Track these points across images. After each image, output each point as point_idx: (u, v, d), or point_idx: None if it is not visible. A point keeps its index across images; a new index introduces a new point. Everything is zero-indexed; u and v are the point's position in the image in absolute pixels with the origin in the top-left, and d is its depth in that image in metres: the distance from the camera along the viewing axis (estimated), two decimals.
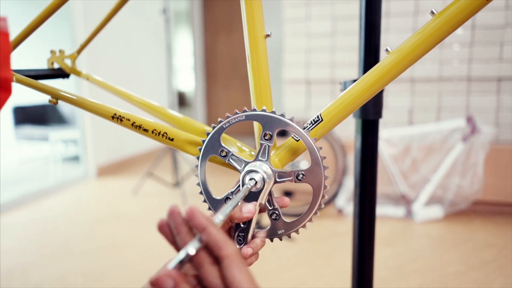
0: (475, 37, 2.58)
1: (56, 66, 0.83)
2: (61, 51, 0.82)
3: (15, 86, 0.63)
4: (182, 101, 7.11)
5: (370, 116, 0.81)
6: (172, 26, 6.28)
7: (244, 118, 0.54)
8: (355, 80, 0.81)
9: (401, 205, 2.65)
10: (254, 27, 0.58)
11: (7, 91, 0.34)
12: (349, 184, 2.67)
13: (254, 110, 0.54)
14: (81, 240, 2.31)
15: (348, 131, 2.83)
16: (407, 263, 1.98)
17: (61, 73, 0.81)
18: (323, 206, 0.56)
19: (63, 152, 4.32)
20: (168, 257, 1.78)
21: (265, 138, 0.54)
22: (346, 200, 2.67)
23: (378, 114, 0.82)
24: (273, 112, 0.53)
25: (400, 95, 2.79)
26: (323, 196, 0.55)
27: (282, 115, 0.52)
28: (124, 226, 2.55)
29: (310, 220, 0.57)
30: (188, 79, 6.49)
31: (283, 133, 2.75)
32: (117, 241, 2.30)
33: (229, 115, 0.54)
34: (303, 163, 2.31)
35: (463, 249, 2.15)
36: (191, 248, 0.35)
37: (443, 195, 2.62)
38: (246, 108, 0.55)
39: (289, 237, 0.58)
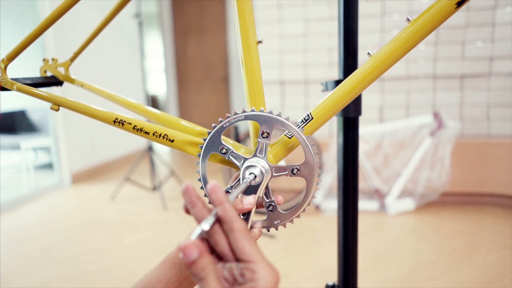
0: (439, 37, 2.72)
1: (49, 74, 0.85)
2: (53, 59, 0.84)
3: None
4: (154, 104, 7.06)
5: (351, 114, 0.88)
6: (144, 29, 6.23)
7: (243, 118, 0.59)
8: (336, 80, 0.87)
9: (375, 199, 2.76)
10: (247, 34, 0.63)
11: None
12: (325, 181, 2.76)
13: (253, 110, 0.58)
14: (62, 247, 2.29)
15: (321, 130, 2.92)
16: (383, 254, 2.08)
17: (54, 81, 0.83)
18: (316, 197, 0.61)
19: (34, 160, 4.22)
20: (150, 260, 1.84)
21: (263, 136, 0.59)
22: (323, 197, 2.76)
23: (358, 112, 0.89)
24: (270, 112, 0.58)
25: (371, 94, 2.90)
26: (316, 189, 0.61)
27: (279, 115, 0.57)
28: (105, 231, 2.54)
29: (304, 210, 0.62)
30: (159, 82, 6.46)
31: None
32: (98, 246, 2.30)
33: (229, 115, 0.59)
34: (281, 163, 2.37)
35: (434, 238, 2.27)
36: (209, 221, 0.39)
37: (414, 188, 2.74)
38: (245, 109, 0.59)
39: (284, 226, 0.63)
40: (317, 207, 2.72)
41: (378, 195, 2.73)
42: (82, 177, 3.89)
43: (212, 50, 5.76)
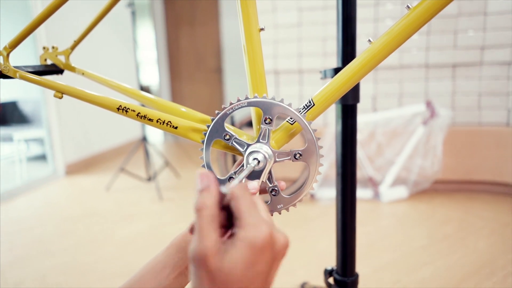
0: (431, 26, 2.74)
1: (49, 62, 0.85)
2: (54, 47, 0.84)
3: None
4: None
5: (349, 101, 0.89)
6: (137, 19, 6.17)
7: (246, 105, 0.60)
8: (335, 68, 0.88)
9: (368, 188, 2.79)
10: (249, 22, 0.64)
11: None
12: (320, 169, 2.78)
13: (256, 97, 0.59)
14: (57, 239, 2.30)
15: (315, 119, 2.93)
16: (377, 240, 2.11)
17: (55, 69, 0.83)
18: (317, 181, 0.63)
19: (27, 151, 4.20)
20: (147, 250, 1.85)
21: (266, 122, 0.60)
22: (318, 185, 2.79)
23: (356, 99, 0.90)
24: (273, 99, 0.59)
25: (364, 83, 2.92)
26: (318, 173, 0.62)
27: (281, 101, 0.59)
28: (100, 222, 2.54)
29: (307, 194, 0.64)
30: (152, 73, 6.42)
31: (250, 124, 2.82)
32: (94, 238, 2.30)
33: (232, 102, 0.60)
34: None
35: (427, 225, 2.31)
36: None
37: (407, 176, 2.78)
38: (248, 96, 0.60)
39: (287, 210, 0.65)
40: (312, 196, 2.75)
41: (372, 183, 2.76)
42: (76, 168, 3.88)
43: (204, 40, 5.73)
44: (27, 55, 3.33)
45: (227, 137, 0.62)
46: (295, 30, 2.94)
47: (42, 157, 3.97)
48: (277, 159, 0.62)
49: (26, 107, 4.15)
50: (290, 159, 0.61)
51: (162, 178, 3.43)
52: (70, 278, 1.84)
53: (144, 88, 6.92)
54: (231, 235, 0.37)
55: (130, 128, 5.05)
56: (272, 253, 0.35)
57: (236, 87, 5.62)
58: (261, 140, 0.61)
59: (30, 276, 1.87)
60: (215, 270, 0.33)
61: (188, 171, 3.76)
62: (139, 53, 6.12)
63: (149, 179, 3.18)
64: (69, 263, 1.99)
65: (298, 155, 0.61)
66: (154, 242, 2.21)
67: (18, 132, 3.62)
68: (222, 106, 0.61)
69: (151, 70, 6.39)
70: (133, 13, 3.14)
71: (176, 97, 5.98)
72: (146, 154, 3.14)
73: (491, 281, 1.66)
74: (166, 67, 6.00)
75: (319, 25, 2.89)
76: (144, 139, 3.18)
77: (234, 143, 0.62)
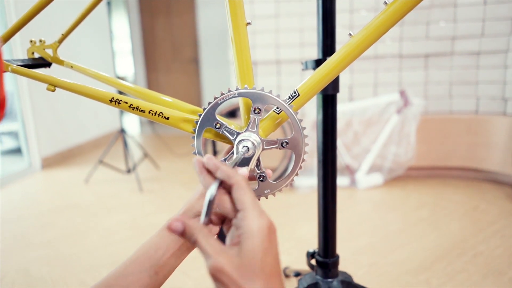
0: (404, 18, 2.80)
1: (36, 55, 0.86)
2: (41, 41, 0.85)
3: None
4: None
5: (329, 91, 0.94)
6: (112, 10, 6.06)
7: (236, 95, 0.63)
8: (316, 60, 0.93)
9: (345, 175, 2.87)
10: (236, 16, 0.67)
11: (1, 110, 0.35)
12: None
13: (246, 88, 0.63)
14: (38, 232, 2.28)
15: None
16: (355, 226, 2.19)
17: (43, 63, 0.84)
18: (302, 168, 0.67)
19: (0, 145, 4.10)
20: (130, 241, 1.88)
21: (255, 112, 0.64)
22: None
23: (336, 89, 0.95)
24: (262, 90, 0.63)
25: (342, 74, 2.97)
26: (303, 160, 0.67)
27: (270, 92, 0.62)
28: (81, 214, 2.54)
29: (292, 180, 0.68)
30: (127, 64, 6.33)
31: (232, 114, 2.85)
32: (76, 230, 2.30)
33: (223, 92, 0.63)
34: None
35: (401, 210, 2.40)
36: (214, 186, 0.44)
37: (382, 163, 2.88)
38: (238, 87, 0.64)
39: (274, 195, 0.69)
40: (291, 184, 2.81)
41: (349, 171, 2.84)
42: (53, 161, 3.82)
43: (180, 31, 5.69)
44: None
45: (218, 125, 0.65)
46: (273, 21, 2.97)
47: (17, 151, 3.89)
48: (265, 147, 0.66)
49: None
50: (277, 147, 0.65)
51: (141, 170, 3.43)
52: (54, 270, 1.84)
53: (120, 79, 6.82)
54: (231, 226, 0.42)
55: (108, 120, 4.99)
56: (276, 236, 0.40)
57: (213, 77, 5.62)
58: (250, 129, 0.65)
59: (13, 268, 1.86)
60: (233, 276, 0.36)
61: (167, 162, 3.76)
62: (115, 44, 6.03)
63: (129, 171, 3.17)
64: (52, 255, 1.99)
65: (285, 143, 0.65)
66: (136, 232, 2.22)
67: None
68: (214, 96, 0.64)
69: (126, 60, 6.30)
70: (109, 3, 3.10)
71: (152, 87, 5.93)
72: (125, 146, 3.13)
73: (462, 260, 1.76)
74: (142, 57, 5.93)
75: (296, 16, 2.93)
76: (122, 131, 3.17)
77: (224, 131, 0.65)
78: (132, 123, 6.49)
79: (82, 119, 4.40)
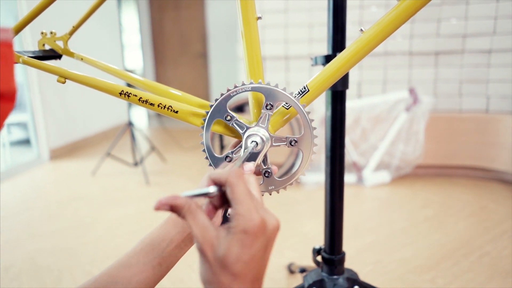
0: (415, 15, 2.78)
1: (47, 47, 0.86)
2: (52, 33, 0.85)
3: None
4: None
5: (338, 87, 0.93)
6: (122, 3, 6.07)
7: (250, 89, 0.63)
8: (326, 55, 0.92)
9: (352, 172, 2.86)
10: (247, 11, 0.66)
11: (11, 101, 0.35)
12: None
13: (260, 83, 0.62)
14: (45, 223, 2.30)
15: None
16: (361, 223, 2.19)
17: (53, 54, 0.84)
18: (310, 167, 0.67)
19: (10, 136, 4.14)
20: (136, 233, 1.89)
21: (267, 107, 0.63)
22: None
23: (345, 85, 0.94)
24: (276, 86, 0.62)
25: (351, 70, 2.96)
26: (311, 160, 0.66)
27: (284, 89, 0.62)
28: (87, 206, 2.55)
29: (298, 178, 0.68)
30: (136, 57, 6.35)
31: (240, 109, 2.84)
32: (82, 221, 2.32)
33: (236, 85, 0.63)
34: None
35: (408, 208, 2.39)
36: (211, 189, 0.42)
37: (389, 161, 2.86)
38: (252, 81, 0.63)
39: (278, 192, 0.69)
40: (297, 182, 2.81)
41: (356, 168, 2.83)
42: (61, 153, 3.85)
43: (189, 25, 5.68)
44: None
45: (228, 118, 0.64)
46: (282, 16, 2.96)
47: (26, 142, 3.93)
48: (273, 144, 0.65)
49: None
50: (286, 144, 0.65)
51: (148, 163, 3.44)
52: (60, 260, 1.86)
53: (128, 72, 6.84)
54: (228, 217, 0.41)
55: (116, 113, 5.01)
56: (265, 237, 0.38)
57: (221, 72, 5.61)
58: (260, 124, 0.64)
59: (20, 258, 1.88)
60: (212, 260, 0.37)
61: (174, 156, 3.77)
62: (124, 37, 6.04)
63: (136, 164, 3.18)
64: (58, 246, 2.01)
65: (294, 141, 0.65)
66: (142, 225, 2.24)
67: None
68: (227, 88, 0.64)
69: (135, 54, 6.31)
70: None
71: (160, 81, 5.93)
72: (133, 138, 3.14)
73: (468, 260, 1.75)
74: (151, 51, 5.94)
75: (306, 12, 2.91)
76: (130, 124, 3.18)
77: (234, 124, 0.65)
78: (140, 116, 6.51)
79: (91, 112, 4.43)
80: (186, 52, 5.84)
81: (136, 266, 0.57)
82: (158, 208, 0.39)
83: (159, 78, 6.00)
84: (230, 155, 0.67)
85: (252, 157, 0.64)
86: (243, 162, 0.59)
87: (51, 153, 3.70)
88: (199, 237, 0.38)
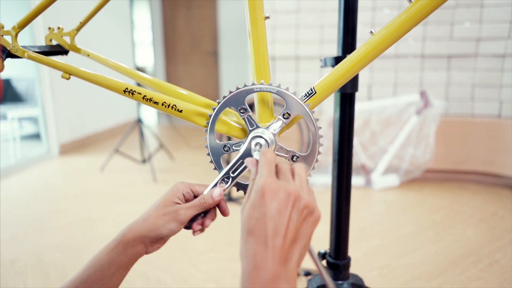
0: (428, 17, 2.74)
1: (54, 42, 0.86)
2: (59, 28, 0.85)
3: None
4: None
5: (348, 90, 0.92)
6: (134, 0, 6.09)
7: (275, 92, 0.61)
8: (335, 57, 0.90)
9: (361, 175, 2.83)
10: (255, 10, 0.65)
11: None
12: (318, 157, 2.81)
13: (287, 89, 0.61)
14: (52, 217, 2.32)
15: None
16: (368, 226, 2.16)
17: (60, 50, 0.84)
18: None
19: (20, 130, 4.18)
20: None
21: (284, 116, 0.62)
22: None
23: (355, 88, 0.92)
24: (287, 89, 0.61)
25: (361, 72, 2.92)
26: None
27: (292, 91, 0.61)
28: (95, 202, 2.56)
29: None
30: (147, 54, 6.37)
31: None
32: (89, 217, 2.33)
33: (263, 82, 0.61)
34: None
35: (416, 212, 2.36)
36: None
37: (398, 164, 2.83)
38: (280, 84, 0.62)
39: None
40: None
41: (364, 170, 2.80)
42: (70, 148, 3.87)
43: (201, 23, 5.69)
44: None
45: (242, 110, 0.63)
46: (293, 16, 2.94)
47: (36, 136, 3.96)
48: (275, 152, 0.64)
49: (20, 85, 4.12)
50: (287, 157, 0.64)
51: (156, 160, 3.45)
52: (66, 256, 1.86)
53: (139, 70, 6.86)
54: None
55: (125, 110, 5.03)
56: (278, 198, 0.41)
57: (231, 71, 5.61)
58: (271, 129, 0.63)
59: (26, 253, 1.89)
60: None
61: (182, 154, 3.78)
62: (135, 34, 6.06)
63: (144, 161, 3.19)
64: (65, 241, 2.01)
65: (296, 157, 0.64)
66: None
67: (12, 111, 3.60)
68: (252, 82, 0.62)
69: (147, 51, 6.34)
70: None
71: (171, 79, 5.96)
72: (141, 136, 3.15)
73: (477, 268, 1.71)
74: (162, 49, 5.95)
75: (317, 12, 2.89)
76: (139, 121, 3.19)
77: (246, 118, 0.63)
78: (149, 113, 6.53)
79: (101, 108, 4.45)
80: (197, 50, 5.84)
81: None
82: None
83: (169, 75, 6.01)
84: (229, 146, 0.66)
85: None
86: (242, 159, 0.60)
87: (61, 148, 3.72)
88: (242, 204, 0.45)
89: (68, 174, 3.23)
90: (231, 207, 2.42)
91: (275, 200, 0.41)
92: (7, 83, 4.08)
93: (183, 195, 0.62)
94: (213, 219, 0.63)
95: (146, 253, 0.60)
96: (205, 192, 0.62)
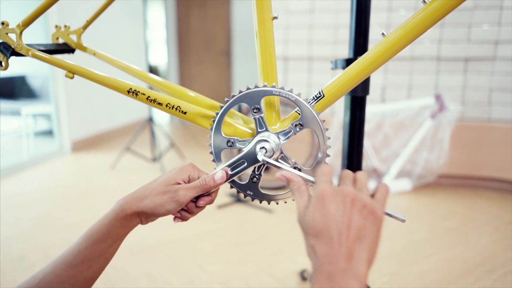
0: (445, 19, 2.68)
1: (61, 41, 0.85)
2: (66, 26, 0.84)
3: None
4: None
5: (358, 93, 0.89)
6: None
7: (294, 100, 0.58)
8: (346, 59, 0.88)
9: (372, 179, 2.79)
10: (262, 10, 0.63)
11: None
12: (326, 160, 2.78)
13: (299, 95, 0.59)
14: (62, 214, 2.33)
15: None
16: None
17: (66, 48, 0.83)
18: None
19: (34, 126, 4.23)
20: (151, 229, 1.86)
21: (296, 127, 0.61)
22: None
23: (366, 91, 0.90)
24: (290, 91, 0.59)
25: (374, 74, 2.89)
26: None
27: (297, 94, 0.58)
28: (104, 199, 2.57)
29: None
30: (160, 53, 6.39)
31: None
32: (98, 214, 2.29)
33: (283, 88, 0.59)
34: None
35: (428, 218, 2.31)
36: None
37: (411, 169, 2.77)
38: (299, 93, 0.60)
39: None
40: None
41: (376, 174, 2.76)
42: (82, 145, 3.90)
43: (214, 22, 5.68)
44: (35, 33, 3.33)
45: (255, 110, 0.61)
46: (307, 16, 2.91)
47: (49, 133, 4.00)
48: (279, 161, 0.63)
49: (34, 82, 4.16)
50: (290, 166, 0.63)
51: (167, 159, 3.45)
52: None
53: (152, 68, 6.90)
54: None
55: (137, 108, 5.06)
56: (338, 200, 0.45)
57: (244, 71, 5.59)
58: (280, 135, 0.62)
59: (35, 249, 1.90)
60: (304, 230, 0.46)
61: (193, 153, 3.78)
62: (148, 33, 6.09)
63: (154, 159, 3.19)
64: (74, 238, 1.99)
65: (297, 169, 0.63)
66: (159, 222, 2.22)
67: (26, 107, 3.64)
68: (273, 84, 0.61)
69: (160, 50, 6.35)
70: None
71: (184, 78, 5.96)
72: (152, 134, 3.15)
73: (490, 278, 1.66)
74: (175, 48, 5.96)
75: (331, 13, 2.86)
76: (150, 120, 3.19)
77: (258, 118, 0.62)
78: (161, 112, 6.55)
79: (113, 106, 4.48)
80: (211, 49, 5.84)
81: (82, 265, 0.57)
82: (280, 178, 0.53)
83: (182, 74, 6.02)
84: (232, 141, 0.64)
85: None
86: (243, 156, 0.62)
87: (73, 145, 3.75)
88: (299, 213, 0.48)
89: (79, 171, 3.25)
90: (239, 208, 2.41)
91: (334, 202, 0.45)
92: (22, 79, 4.13)
93: (189, 178, 0.64)
94: (208, 203, 0.64)
95: (141, 224, 0.65)
96: None
